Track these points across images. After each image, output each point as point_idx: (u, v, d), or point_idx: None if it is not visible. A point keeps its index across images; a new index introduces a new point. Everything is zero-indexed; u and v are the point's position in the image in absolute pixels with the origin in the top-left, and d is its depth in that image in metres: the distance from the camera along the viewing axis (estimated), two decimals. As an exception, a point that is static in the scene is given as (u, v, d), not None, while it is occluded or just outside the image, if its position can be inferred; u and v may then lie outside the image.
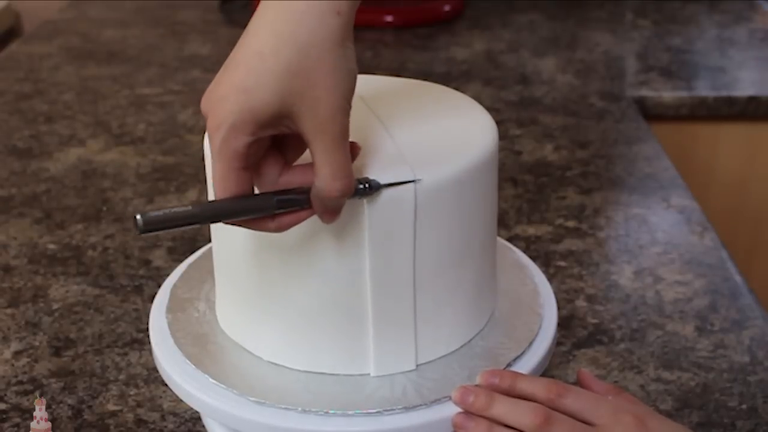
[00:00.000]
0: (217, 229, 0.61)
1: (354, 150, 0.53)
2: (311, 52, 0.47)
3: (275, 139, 0.51)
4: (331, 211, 0.51)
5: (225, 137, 0.48)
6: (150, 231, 0.48)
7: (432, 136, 0.59)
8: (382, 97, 0.64)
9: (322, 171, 0.49)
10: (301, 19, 0.48)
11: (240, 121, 0.48)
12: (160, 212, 0.48)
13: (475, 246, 0.59)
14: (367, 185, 0.52)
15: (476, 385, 0.55)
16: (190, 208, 0.50)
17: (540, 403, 0.53)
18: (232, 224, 0.52)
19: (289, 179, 0.52)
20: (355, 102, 0.62)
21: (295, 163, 0.53)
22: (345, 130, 0.49)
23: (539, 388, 0.54)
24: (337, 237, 0.54)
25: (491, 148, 0.58)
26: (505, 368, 0.58)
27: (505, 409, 0.53)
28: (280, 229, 0.52)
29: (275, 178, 0.52)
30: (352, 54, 0.49)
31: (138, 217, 0.47)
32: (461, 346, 0.60)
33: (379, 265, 0.54)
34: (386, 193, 0.53)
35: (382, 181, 0.53)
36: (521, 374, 0.56)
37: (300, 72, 0.47)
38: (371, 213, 0.53)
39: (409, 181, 0.53)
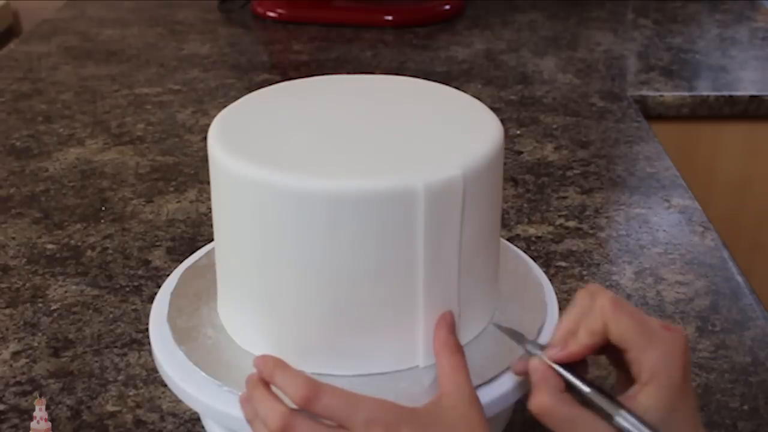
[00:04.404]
0: (220, 229, 0.61)
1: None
2: None
3: None
4: None
5: None
6: None
7: (434, 135, 0.59)
8: (382, 97, 0.63)
9: None
10: None
11: None
12: None
13: (478, 246, 0.59)
14: None
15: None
16: None
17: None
18: None
19: None
20: (355, 102, 0.62)
21: None
22: None
23: (292, 386, 0.52)
24: (388, 233, 0.54)
25: (497, 146, 0.58)
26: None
27: (256, 405, 0.53)
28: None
29: None
30: None
31: None
32: (462, 347, 0.60)
33: (431, 255, 0.54)
34: (439, 186, 0.53)
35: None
36: (282, 365, 0.53)
37: None
38: (428, 205, 0.53)
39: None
